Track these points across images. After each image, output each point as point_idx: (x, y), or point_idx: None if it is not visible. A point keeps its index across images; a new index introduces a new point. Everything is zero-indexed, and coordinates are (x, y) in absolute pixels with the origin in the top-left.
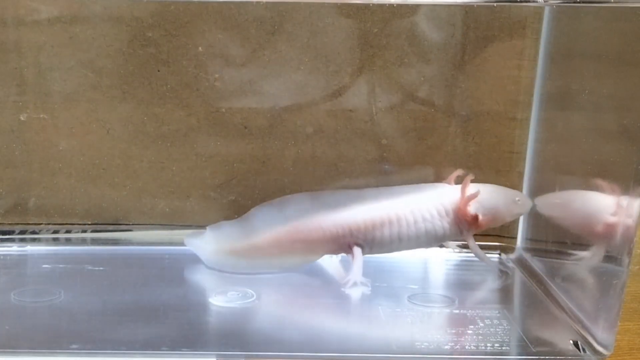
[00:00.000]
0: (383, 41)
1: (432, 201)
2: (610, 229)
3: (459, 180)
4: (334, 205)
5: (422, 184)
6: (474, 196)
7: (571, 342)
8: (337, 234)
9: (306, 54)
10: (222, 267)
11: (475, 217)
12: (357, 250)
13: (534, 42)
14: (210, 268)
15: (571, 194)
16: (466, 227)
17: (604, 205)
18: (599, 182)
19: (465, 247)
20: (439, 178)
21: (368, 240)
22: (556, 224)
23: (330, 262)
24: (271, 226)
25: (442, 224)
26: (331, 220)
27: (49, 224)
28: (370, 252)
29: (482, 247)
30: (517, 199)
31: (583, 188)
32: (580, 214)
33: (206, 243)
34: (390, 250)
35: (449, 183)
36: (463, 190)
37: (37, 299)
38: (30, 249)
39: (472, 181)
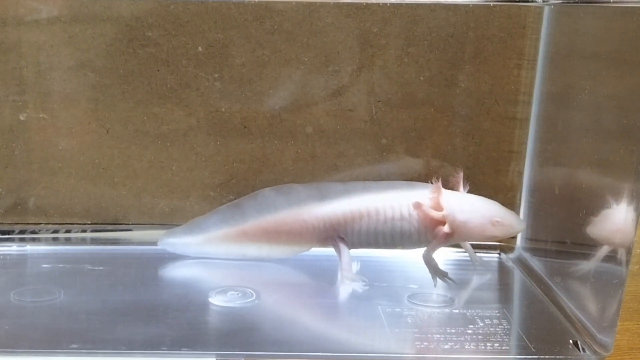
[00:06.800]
0: (383, 41)
1: (414, 200)
2: None
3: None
4: (320, 197)
5: (414, 182)
6: (436, 201)
7: (571, 342)
8: (319, 227)
9: (306, 54)
10: (214, 254)
11: (439, 222)
12: (341, 245)
13: (534, 42)
14: (200, 257)
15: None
16: (431, 233)
17: None
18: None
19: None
20: (438, 178)
21: (348, 233)
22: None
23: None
24: (261, 214)
25: (418, 225)
26: (313, 213)
27: (48, 223)
28: (353, 246)
29: (481, 247)
30: (496, 220)
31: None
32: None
33: (193, 232)
34: (369, 244)
35: (454, 186)
36: (433, 193)
37: (37, 298)
38: (30, 248)
39: (469, 191)
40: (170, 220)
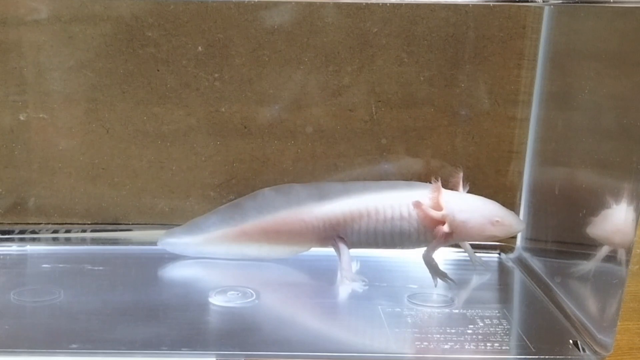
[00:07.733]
0: (383, 41)
1: (413, 200)
2: None
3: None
4: (320, 197)
5: (414, 182)
6: (435, 199)
7: (571, 342)
8: (318, 227)
9: (306, 54)
10: (214, 254)
11: (438, 222)
12: (341, 245)
13: (534, 42)
14: (200, 257)
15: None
16: (430, 233)
17: None
18: None
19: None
20: (437, 178)
21: (348, 233)
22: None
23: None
24: (260, 214)
25: (418, 225)
26: (313, 213)
27: (48, 223)
28: (353, 246)
29: (481, 247)
30: (496, 220)
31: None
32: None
33: (192, 233)
34: (368, 244)
35: (454, 186)
36: (433, 192)
37: (37, 298)
38: (30, 248)
39: (469, 191)
40: (170, 220)
